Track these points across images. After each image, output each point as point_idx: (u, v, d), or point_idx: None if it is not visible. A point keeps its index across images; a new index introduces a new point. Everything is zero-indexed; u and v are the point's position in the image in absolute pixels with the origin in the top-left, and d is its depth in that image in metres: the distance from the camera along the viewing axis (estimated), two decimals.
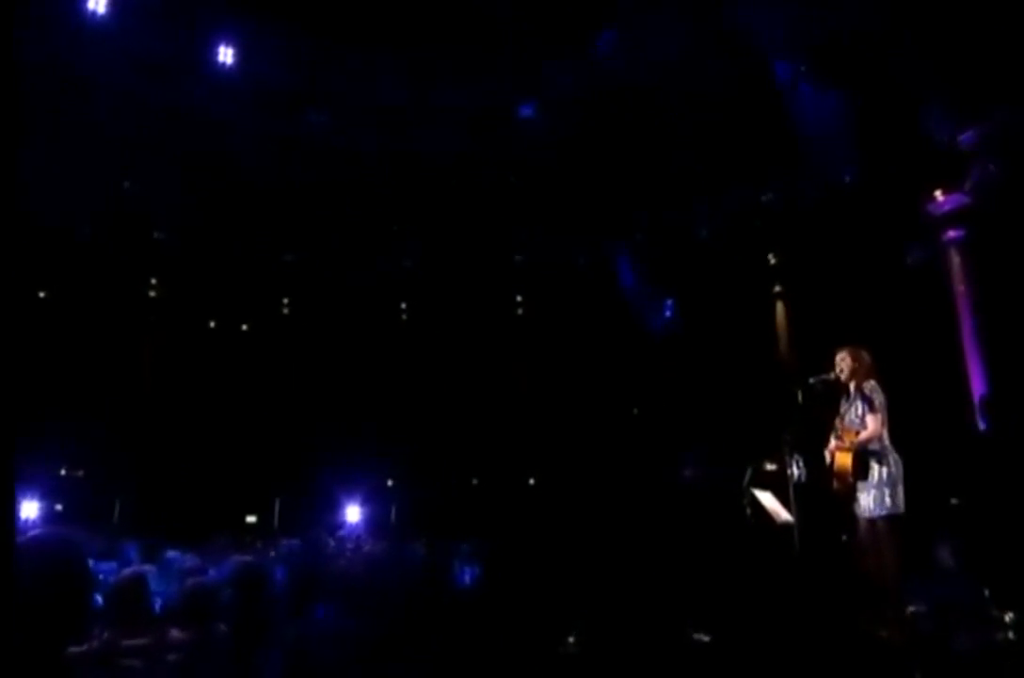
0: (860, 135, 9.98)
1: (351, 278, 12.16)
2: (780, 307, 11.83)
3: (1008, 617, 4.90)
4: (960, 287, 10.36)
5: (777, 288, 11.90)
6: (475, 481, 12.95)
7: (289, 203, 10.89)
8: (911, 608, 3.89)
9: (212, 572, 3.79)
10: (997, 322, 9.61)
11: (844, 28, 9.80)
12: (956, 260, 10.46)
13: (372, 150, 10.70)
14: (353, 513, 12.48)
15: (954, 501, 7.25)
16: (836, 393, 4.43)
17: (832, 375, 4.34)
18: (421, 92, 10.80)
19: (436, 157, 11.23)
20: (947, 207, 10.51)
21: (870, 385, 4.25)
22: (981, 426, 9.36)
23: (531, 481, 12.49)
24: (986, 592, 5.68)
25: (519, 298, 13.31)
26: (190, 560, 4.23)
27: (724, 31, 10.08)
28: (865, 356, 4.39)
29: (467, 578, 6.49)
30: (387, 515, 12.64)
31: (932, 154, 10.22)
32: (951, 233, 10.50)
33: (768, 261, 11.87)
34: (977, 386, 9.98)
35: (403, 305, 13.37)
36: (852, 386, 4.36)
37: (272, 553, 5.25)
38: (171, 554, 4.49)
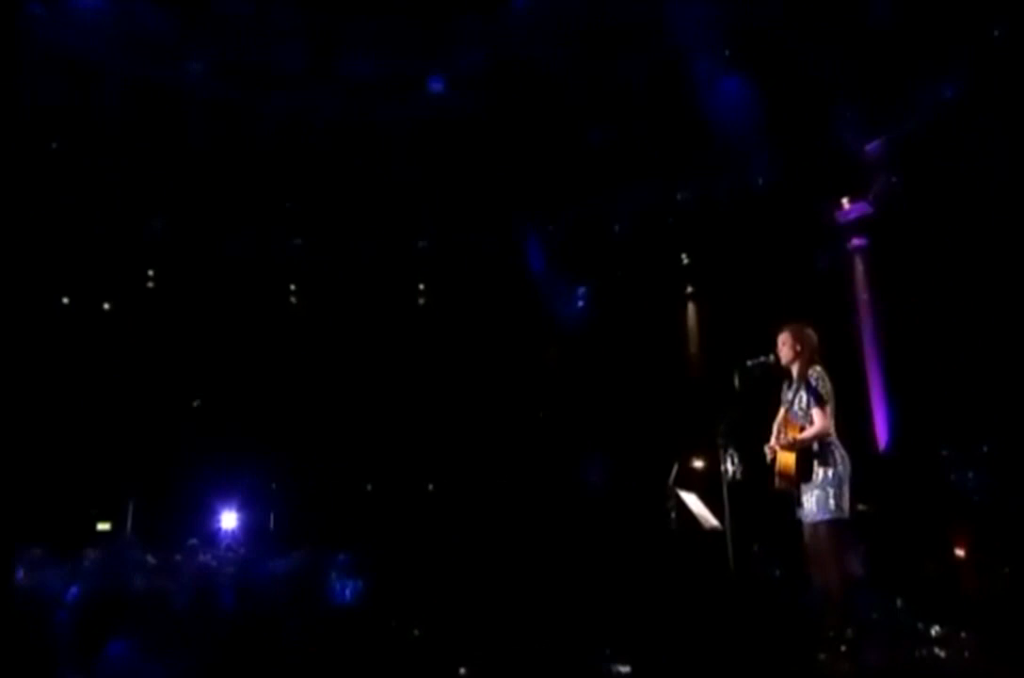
0: (772, 139, 9.94)
1: (232, 252, 10.84)
2: (692, 308, 11.69)
3: (935, 631, 4.57)
4: (863, 295, 10.50)
5: (689, 288, 11.74)
6: (369, 486, 12.05)
7: (160, 161, 9.50)
8: (851, 628, 3.37)
9: None
10: (897, 331, 9.73)
11: (761, 27, 9.74)
12: (860, 268, 10.62)
13: (262, 112, 9.56)
14: (229, 519, 11.31)
15: (861, 507, 7.09)
16: (776, 377, 3.90)
17: (772, 357, 3.81)
18: (322, 54, 9.80)
19: (334, 128, 10.26)
20: (852, 215, 10.68)
21: (816, 372, 3.74)
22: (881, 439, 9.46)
23: (430, 487, 11.72)
24: (899, 602, 5.41)
25: (421, 286, 12.50)
26: None
27: (643, 22, 9.79)
28: (809, 336, 3.89)
29: (347, 594, 5.77)
30: (266, 522, 11.53)
31: (841, 161, 10.34)
32: (856, 241, 10.67)
33: (681, 261, 11.70)
34: (876, 392, 10.11)
35: (292, 287, 12.20)
36: (795, 371, 3.85)
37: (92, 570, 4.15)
38: None
